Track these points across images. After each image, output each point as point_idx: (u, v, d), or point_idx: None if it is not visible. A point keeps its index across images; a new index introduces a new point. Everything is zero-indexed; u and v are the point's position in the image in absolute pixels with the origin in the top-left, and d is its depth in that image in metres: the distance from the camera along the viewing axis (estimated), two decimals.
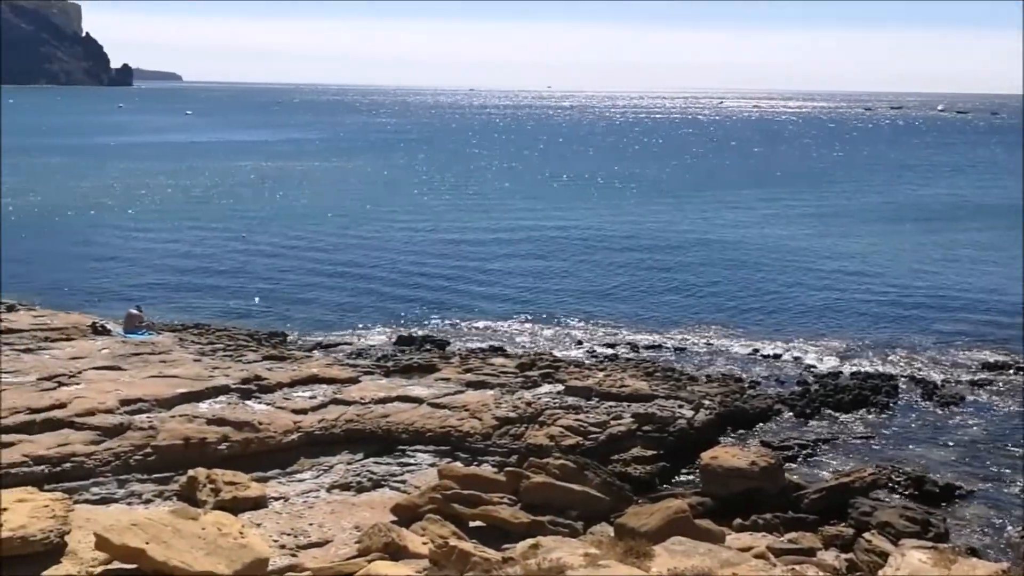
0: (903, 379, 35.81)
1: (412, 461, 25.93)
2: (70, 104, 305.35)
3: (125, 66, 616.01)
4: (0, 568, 14.65)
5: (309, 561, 18.73)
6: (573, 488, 22.53)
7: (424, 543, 18.36)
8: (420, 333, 40.92)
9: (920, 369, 37.27)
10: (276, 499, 22.91)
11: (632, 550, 15.00)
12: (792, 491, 24.61)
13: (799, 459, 28.32)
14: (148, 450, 24.36)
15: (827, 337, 41.44)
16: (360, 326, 42.48)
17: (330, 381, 30.31)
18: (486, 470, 24.39)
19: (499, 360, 34.49)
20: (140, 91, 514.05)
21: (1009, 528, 23.97)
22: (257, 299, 47.12)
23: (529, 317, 44.28)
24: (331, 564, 17.87)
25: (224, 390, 28.47)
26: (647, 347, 39.70)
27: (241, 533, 15.74)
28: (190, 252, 59.18)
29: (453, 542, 16.86)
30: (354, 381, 30.53)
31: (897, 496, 25.21)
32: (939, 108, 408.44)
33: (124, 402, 26.35)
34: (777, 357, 38.70)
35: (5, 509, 15.54)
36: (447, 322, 43.42)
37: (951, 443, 29.78)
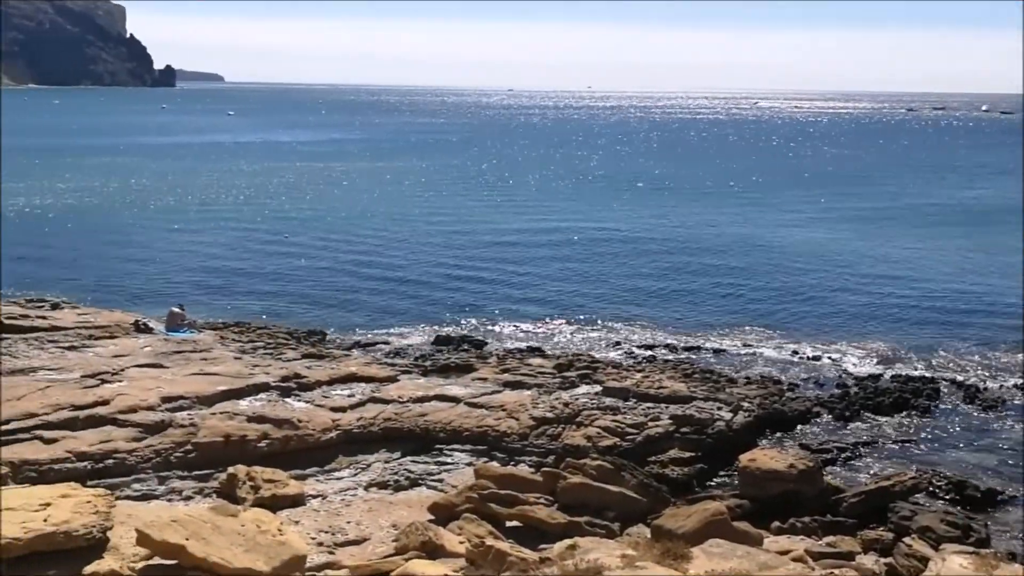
0: (944, 382, 35.43)
1: (449, 460, 26.00)
2: (114, 105, 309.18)
3: (168, 67, 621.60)
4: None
5: (346, 559, 18.86)
6: (610, 489, 22.49)
7: (461, 542, 18.44)
8: (458, 333, 41.03)
9: (962, 373, 36.85)
10: (314, 497, 23.08)
11: (669, 552, 14.95)
12: (831, 494, 24.42)
13: (838, 462, 28.09)
14: (189, 447, 24.63)
15: (867, 340, 41.06)
16: (398, 326, 42.65)
17: (368, 380, 30.42)
18: (523, 470, 24.42)
19: (536, 360, 34.48)
20: (183, 92, 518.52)
21: None
22: (297, 298, 47.45)
23: (567, 318, 44.25)
24: (368, 562, 17.97)
25: (264, 388, 28.70)
26: (685, 348, 39.53)
27: (280, 530, 15.92)
28: (232, 252, 59.73)
29: (490, 542, 16.90)
30: (392, 380, 30.63)
31: (938, 501, 24.99)
32: (983, 108, 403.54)
33: (165, 399, 26.63)
34: (816, 359, 38.40)
35: (49, 504, 15.80)
36: (485, 323, 43.50)
37: (993, 447, 29.44)
